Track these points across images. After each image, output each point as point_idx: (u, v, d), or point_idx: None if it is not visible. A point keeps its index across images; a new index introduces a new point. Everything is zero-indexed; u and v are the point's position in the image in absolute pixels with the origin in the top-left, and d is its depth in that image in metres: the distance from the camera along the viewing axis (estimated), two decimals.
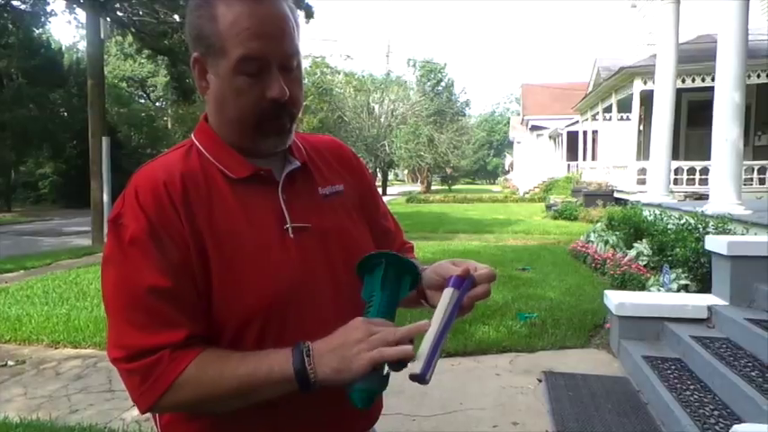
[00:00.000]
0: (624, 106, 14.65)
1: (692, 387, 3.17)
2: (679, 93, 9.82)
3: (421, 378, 0.78)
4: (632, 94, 12.73)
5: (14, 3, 12.77)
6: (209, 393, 0.82)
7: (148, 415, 0.93)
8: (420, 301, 0.96)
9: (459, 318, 0.86)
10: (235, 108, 0.88)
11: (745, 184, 8.08)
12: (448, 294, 0.83)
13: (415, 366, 0.78)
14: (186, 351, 0.81)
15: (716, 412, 2.84)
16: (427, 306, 0.95)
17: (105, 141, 10.63)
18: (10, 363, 4.11)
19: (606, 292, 4.45)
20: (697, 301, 4.03)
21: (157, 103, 31.26)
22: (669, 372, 3.40)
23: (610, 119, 15.69)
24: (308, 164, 0.98)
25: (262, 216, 0.90)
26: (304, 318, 0.88)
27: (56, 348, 4.41)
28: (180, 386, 0.81)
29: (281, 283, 0.87)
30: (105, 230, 0.88)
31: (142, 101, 30.82)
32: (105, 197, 10.26)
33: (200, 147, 0.93)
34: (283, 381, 0.79)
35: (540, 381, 3.65)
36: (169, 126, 27.98)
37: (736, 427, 2.12)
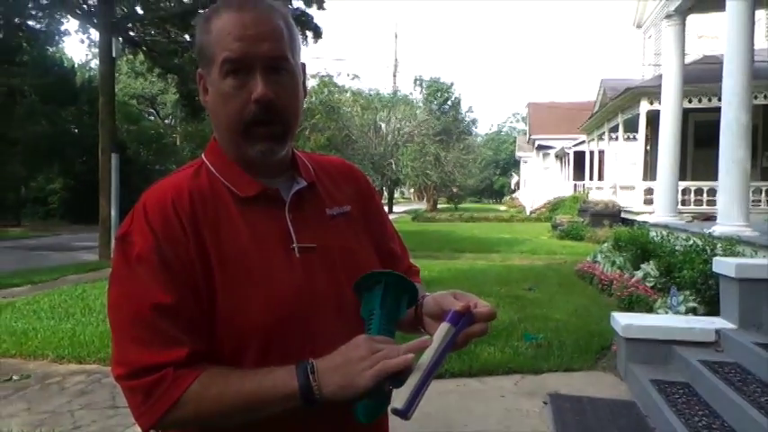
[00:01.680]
0: (630, 126, 14.67)
1: (700, 412, 3.12)
2: (686, 113, 9.83)
3: (402, 414, 0.75)
4: (638, 115, 12.75)
5: (30, 22, 13.02)
6: (212, 411, 0.82)
7: None
8: (417, 328, 0.95)
9: (451, 353, 0.84)
10: (224, 114, 0.89)
11: (752, 205, 8.04)
12: (443, 330, 0.81)
13: (398, 401, 0.75)
14: (189, 370, 0.81)
15: None
16: (423, 333, 0.93)
17: (114, 158, 10.73)
18: (15, 377, 4.11)
19: (613, 313, 4.41)
20: (705, 325, 3.99)
21: (166, 121, 31.58)
22: (677, 396, 3.35)
23: (616, 139, 15.70)
24: (315, 183, 0.99)
25: (268, 235, 0.90)
26: (307, 336, 0.88)
27: (61, 363, 4.41)
28: (183, 404, 0.80)
29: (285, 302, 0.87)
30: (113, 246, 0.90)
31: (152, 118, 31.15)
32: (113, 213, 10.32)
33: (209, 166, 0.94)
34: (287, 397, 0.79)
35: (545, 403, 3.61)
36: (178, 143, 28.24)
37: None
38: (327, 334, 0.89)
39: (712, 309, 4.62)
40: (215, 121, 0.93)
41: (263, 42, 0.87)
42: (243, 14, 0.88)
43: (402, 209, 32.65)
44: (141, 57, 14.62)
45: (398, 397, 0.75)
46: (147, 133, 26.68)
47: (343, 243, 0.97)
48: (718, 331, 3.88)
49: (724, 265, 4.07)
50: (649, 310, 5.27)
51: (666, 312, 4.87)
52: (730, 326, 3.90)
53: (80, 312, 5.93)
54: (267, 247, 0.89)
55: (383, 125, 32.58)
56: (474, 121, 41.58)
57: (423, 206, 35.23)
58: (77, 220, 21.79)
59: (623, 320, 4.14)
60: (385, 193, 33.05)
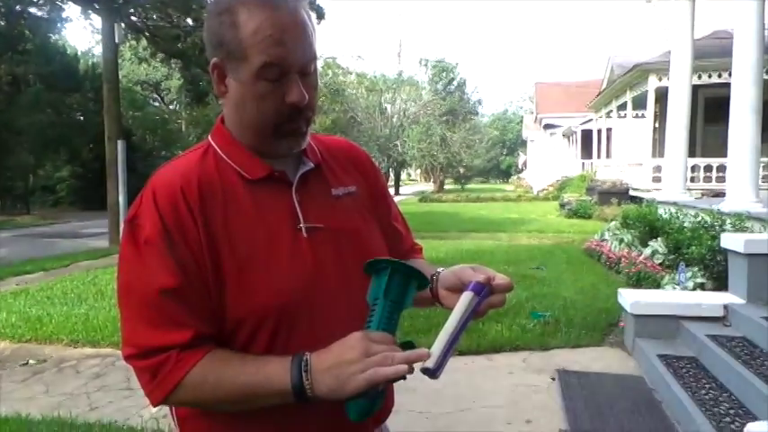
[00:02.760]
0: (639, 103, 14.53)
1: (707, 386, 3.16)
2: (695, 89, 9.73)
3: (432, 373, 0.81)
4: (647, 91, 12.63)
5: (31, 10, 13.00)
6: (211, 396, 0.86)
7: (166, 411, 0.96)
8: (433, 302, 0.98)
9: (473, 321, 0.89)
10: (255, 112, 0.90)
11: (762, 181, 7.99)
12: (467, 298, 0.86)
13: (428, 361, 0.80)
14: (192, 352, 0.84)
15: (731, 411, 2.83)
16: (439, 307, 0.97)
17: (121, 144, 10.78)
18: (31, 361, 4.20)
19: (620, 290, 4.43)
20: (713, 300, 4.01)
21: (171, 106, 31.57)
22: (684, 370, 3.39)
23: (624, 116, 15.57)
24: (321, 165, 1.00)
25: (276, 216, 0.92)
26: (316, 316, 0.90)
27: (75, 348, 4.50)
28: (185, 387, 0.84)
29: (294, 282, 0.89)
30: (122, 231, 0.91)
31: (156, 104, 31.15)
32: (121, 199, 10.40)
33: (216, 149, 0.95)
34: (281, 393, 0.82)
35: (553, 379, 3.65)
36: (183, 129, 28.26)
37: (750, 425, 2.11)
38: (335, 314, 0.91)
39: (720, 284, 4.64)
40: (239, 116, 0.93)
41: (300, 47, 0.88)
42: (279, 15, 0.86)
43: (409, 190, 32.63)
44: (144, 42, 14.59)
45: (427, 360, 0.80)
46: (152, 119, 26.72)
47: (350, 223, 0.99)
48: (725, 306, 3.90)
49: (732, 240, 4.08)
50: (657, 286, 5.29)
51: (674, 288, 4.89)
52: (738, 301, 3.92)
53: (92, 297, 6.03)
54: (275, 227, 0.91)
55: (388, 107, 32.43)
56: (480, 101, 41.26)
57: (429, 187, 35.16)
58: (86, 207, 21.97)
59: (631, 297, 4.17)
60: (391, 175, 32.99)
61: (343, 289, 0.93)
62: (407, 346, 0.82)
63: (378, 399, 0.82)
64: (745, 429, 2.09)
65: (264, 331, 0.88)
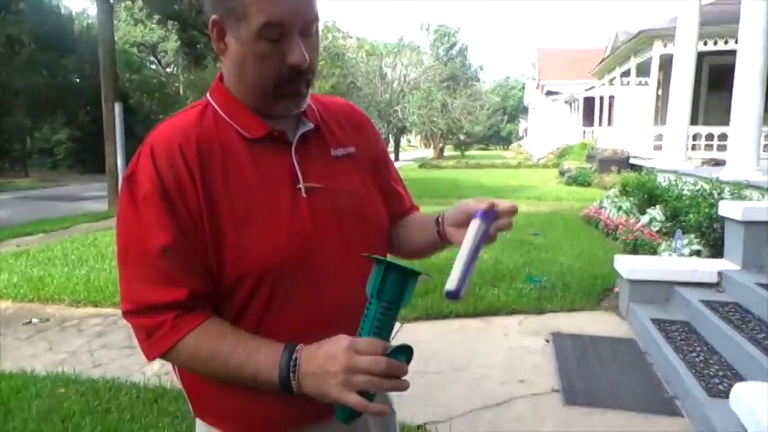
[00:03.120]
0: (643, 71, 14.35)
1: (698, 349, 3.23)
2: (700, 56, 9.60)
3: (455, 295, 0.84)
4: (651, 58, 12.46)
5: None
6: (201, 368, 0.88)
7: (168, 369, 0.99)
8: (443, 244, 1.01)
9: (485, 246, 0.92)
10: (255, 72, 0.89)
11: (764, 151, 7.97)
12: (475, 225, 0.89)
13: (449, 284, 0.83)
14: (188, 318, 0.86)
15: (720, 373, 2.90)
16: (449, 246, 1.00)
17: (118, 107, 10.68)
18: (35, 320, 4.27)
19: (617, 256, 4.48)
20: (708, 266, 4.05)
21: (168, 69, 31.13)
22: (676, 334, 3.45)
23: (628, 83, 15.40)
24: (321, 126, 0.99)
25: (275, 175, 0.92)
26: (315, 275, 0.91)
27: (77, 307, 4.57)
28: (177, 352, 0.86)
29: (292, 241, 0.89)
30: (120, 189, 0.92)
31: (153, 66, 30.69)
32: (120, 162, 10.36)
33: (215, 107, 0.94)
34: (268, 384, 0.84)
35: (547, 341, 3.73)
36: (181, 92, 27.94)
37: (738, 385, 2.17)
38: (334, 273, 0.93)
39: (716, 252, 4.68)
40: (238, 76, 0.92)
41: (302, 7, 0.86)
42: None
43: (408, 156, 32.47)
44: (140, 2, 14.29)
45: (449, 281, 0.84)
46: (149, 82, 26.39)
47: (349, 184, 0.99)
48: (720, 272, 3.95)
49: (730, 208, 4.10)
50: (653, 253, 5.33)
51: (670, 255, 4.93)
52: (733, 267, 3.96)
53: (93, 259, 6.08)
54: (274, 187, 0.91)
55: (389, 72, 32.01)
56: (481, 67, 40.70)
57: (429, 154, 35.00)
58: (85, 170, 21.91)
59: (627, 263, 4.21)
60: (391, 141, 32.79)
61: (342, 248, 0.94)
62: (402, 351, 0.81)
63: (360, 407, 0.81)
64: (733, 389, 2.14)
65: (264, 289, 0.89)
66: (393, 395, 1.10)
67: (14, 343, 3.82)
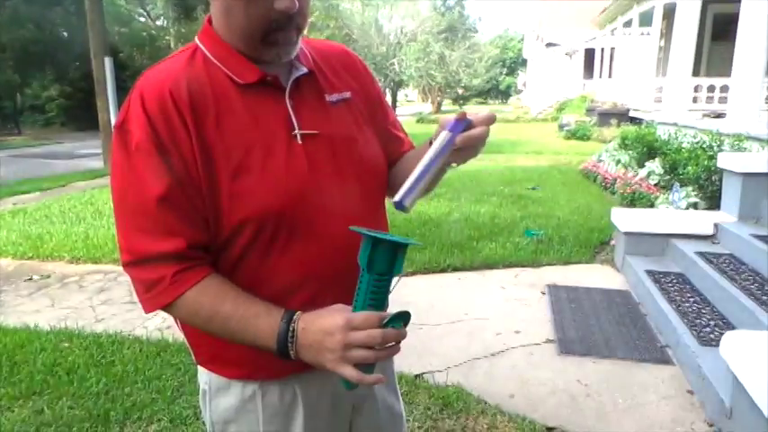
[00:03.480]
0: (645, 21, 14.04)
1: (691, 299, 3.28)
2: (705, 4, 9.39)
3: (399, 205, 0.85)
4: (654, 7, 12.17)
5: None
6: (200, 326, 0.89)
7: (170, 323, 1.00)
8: (444, 169, 0.96)
9: (461, 160, 0.90)
10: (243, 17, 0.87)
11: (766, 102, 7.89)
12: (442, 136, 0.87)
13: (396, 195, 0.85)
14: (187, 276, 0.86)
15: (712, 322, 2.96)
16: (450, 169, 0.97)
17: (108, 61, 10.47)
18: (35, 277, 4.31)
19: (613, 209, 4.50)
20: (704, 218, 4.08)
21: (158, 22, 30.34)
22: (670, 285, 3.51)
23: (630, 34, 15.10)
24: (314, 70, 0.97)
25: (269, 122, 0.90)
26: (314, 221, 0.91)
27: (77, 264, 4.60)
28: (177, 308, 0.87)
29: (290, 189, 0.89)
30: (112, 138, 0.90)
31: (142, 19, 29.90)
32: (113, 118, 10.24)
33: (204, 51, 0.92)
34: (267, 349, 0.85)
35: (543, 293, 3.79)
36: (172, 45, 27.29)
37: (728, 333, 2.22)
38: (333, 219, 0.92)
39: (713, 204, 4.70)
40: (227, 21, 0.90)
41: None
42: None
43: (406, 111, 32.09)
44: None
45: (397, 193, 0.84)
46: (139, 36, 25.75)
47: (345, 130, 0.98)
48: (716, 224, 3.98)
49: (728, 159, 4.09)
50: (651, 206, 5.36)
51: (667, 208, 4.96)
52: (729, 219, 3.99)
53: (90, 216, 6.08)
54: (269, 133, 0.89)
55: (385, 23, 31.26)
56: (480, 18, 39.67)
57: (427, 108, 34.62)
58: (78, 127, 21.65)
59: (623, 216, 4.23)
60: (388, 95, 32.35)
61: (340, 195, 0.94)
62: (400, 317, 0.82)
63: (367, 371, 0.83)
64: (723, 337, 2.20)
65: (263, 237, 0.89)
66: None
67: (16, 299, 3.87)
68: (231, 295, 0.87)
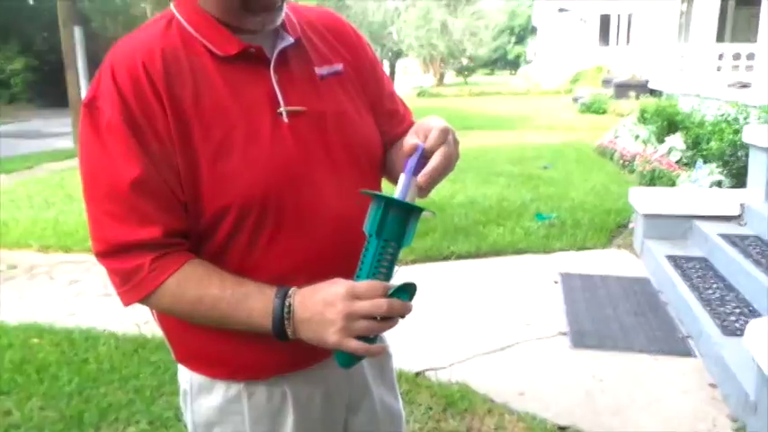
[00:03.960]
0: None
1: (714, 286, 3.29)
2: None
3: None
4: None
5: None
6: (186, 314, 0.89)
7: (148, 318, 0.99)
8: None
9: (439, 181, 0.86)
10: None
11: None
12: (400, 181, 0.83)
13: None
14: (167, 262, 0.86)
15: (737, 310, 2.97)
16: None
17: (78, 31, 10.37)
18: (1, 267, 4.29)
19: (631, 189, 4.49)
20: (729, 197, 4.07)
21: None
22: (693, 271, 3.51)
23: None
24: (302, 40, 0.96)
25: (252, 98, 0.89)
26: (301, 210, 0.90)
27: (47, 253, 4.59)
28: (159, 298, 0.87)
29: (275, 172, 0.88)
30: (81, 116, 0.89)
31: None
32: (83, 94, 10.15)
33: (181, 20, 0.90)
34: (261, 330, 0.85)
35: (555, 282, 3.79)
36: (148, 14, 27.03)
37: (753, 321, 2.22)
38: (322, 208, 0.92)
39: (739, 182, 4.69)
40: None
41: None
42: None
43: (406, 84, 31.96)
44: None
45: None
46: (112, 3, 25.47)
47: (336, 106, 0.96)
48: (742, 204, 3.97)
49: (755, 133, 4.07)
50: (672, 185, 5.34)
51: (690, 187, 4.94)
52: (756, 198, 3.98)
53: (60, 201, 6.06)
54: (252, 111, 0.88)
55: None
56: None
57: (428, 81, 34.44)
58: (46, 104, 21.48)
59: (642, 196, 4.23)
60: (386, 67, 32.15)
61: (330, 177, 0.93)
62: (405, 289, 0.82)
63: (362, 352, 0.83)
64: (747, 326, 2.20)
65: (246, 226, 0.88)
66: (389, 340, 1.12)
67: None
68: (217, 277, 0.87)
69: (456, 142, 0.89)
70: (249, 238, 0.89)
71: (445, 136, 0.85)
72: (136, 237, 0.84)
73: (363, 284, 0.81)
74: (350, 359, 0.85)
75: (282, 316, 0.83)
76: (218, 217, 0.87)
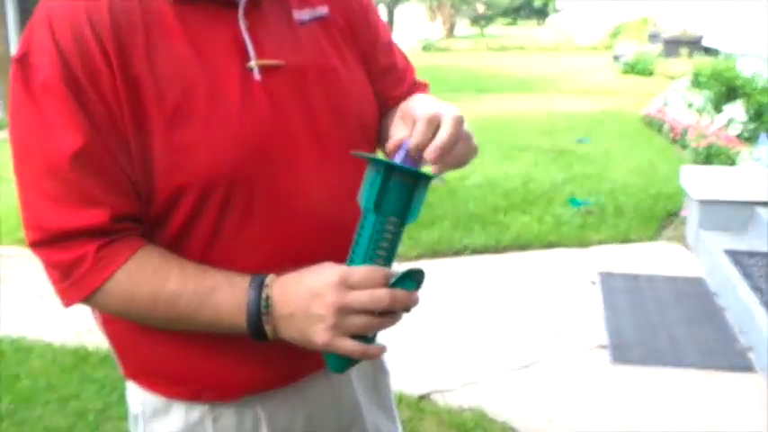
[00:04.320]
0: None
1: None
2: None
3: None
4: None
5: None
6: (142, 316, 0.89)
7: (90, 327, 0.98)
8: None
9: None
10: None
11: None
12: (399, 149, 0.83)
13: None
14: (116, 249, 0.85)
15: None
16: None
17: None
18: None
19: (683, 168, 4.51)
20: None
21: None
22: (756, 269, 3.53)
23: None
24: None
25: (217, 50, 0.89)
26: (278, 188, 0.90)
27: None
28: (106, 295, 0.86)
29: (245, 141, 0.88)
30: (11, 73, 0.88)
31: None
32: (13, 49, 10.12)
33: None
34: (234, 329, 0.85)
35: (593, 283, 3.80)
36: None
37: None
38: (303, 185, 0.91)
39: None
40: None
41: None
42: None
43: (408, 36, 31.90)
44: None
45: None
46: None
47: (320, 59, 0.96)
48: None
49: None
50: (732, 164, 5.35)
51: (753, 166, 4.94)
52: None
53: None
54: (216, 67, 0.88)
55: None
56: None
57: (436, 33, 34.34)
58: None
59: (696, 177, 4.23)
60: (383, 13, 32.04)
61: (312, 145, 0.93)
62: (410, 277, 0.81)
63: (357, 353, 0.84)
64: None
65: (209, 209, 0.88)
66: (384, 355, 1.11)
67: None
68: (176, 268, 0.87)
69: (469, 137, 0.88)
70: (212, 226, 0.89)
71: (459, 125, 0.82)
72: (78, 222, 0.84)
73: (359, 271, 0.81)
74: (344, 363, 0.85)
75: (259, 311, 0.83)
76: (173, 199, 0.87)
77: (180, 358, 0.94)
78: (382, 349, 0.84)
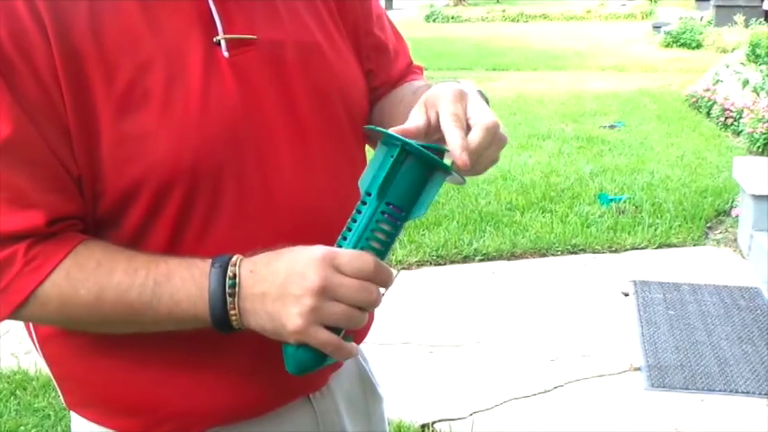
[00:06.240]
0: None
1: None
2: None
3: None
4: None
5: None
6: (85, 322, 0.89)
7: (30, 348, 0.99)
8: None
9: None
10: None
11: None
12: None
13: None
14: (51, 246, 0.85)
15: None
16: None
17: None
18: None
19: (737, 159, 4.51)
20: None
21: None
22: None
23: None
24: None
25: (178, 22, 0.90)
26: (248, 176, 0.91)
27: None
28: (42, 302, 0.86)
29: (210, 127, 0.89)
30: None
31: None
32: None
33: None
34: (195, 321, 0.85)
35: (626, 295, 3.81)
36: None
37: None
38: (280, 180, 0.92)
39: None
40: None
41: None
42: None
43: (408, 4, 31.88)
44: None
45: None
46: None
47: (301, 33, 0.98)
48: None
49: None
50: None
51: None
52: None
53: None
54: (176, 42, 0.89)
55: None
56: None
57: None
58: None
59: (752, 169, 4.24)
60: None
61: (290, 135, 0.94)
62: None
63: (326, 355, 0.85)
64: None
65: (168, 209, 0.88)
66: (379, 377, 1.13)
67: None
68: (123, 259, 0.86)
69: (503, 140, 0.88)
70: (171, 228, 0.90)
71: (493, 131, 0.83)
72: (9, 225, 0.83)
73: (348, 253, 0.82)
74: (308, 361, 0.84)
75: (224, 291, 0.83)
76: (125, 197, 0.88)
77: (133, 384, 0.94)
78: (356, 350, 0.86)
